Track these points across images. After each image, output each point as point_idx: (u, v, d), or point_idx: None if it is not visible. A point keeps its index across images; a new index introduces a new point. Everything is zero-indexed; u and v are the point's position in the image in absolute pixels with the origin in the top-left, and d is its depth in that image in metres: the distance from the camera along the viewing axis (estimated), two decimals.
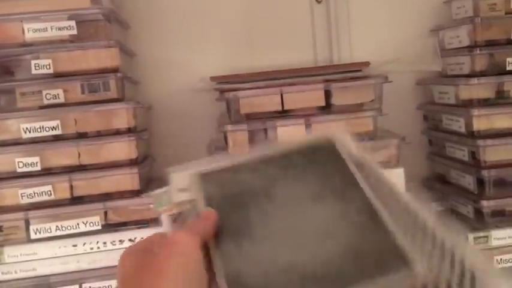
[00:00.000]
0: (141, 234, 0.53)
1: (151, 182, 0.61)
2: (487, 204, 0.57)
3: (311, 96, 0.54)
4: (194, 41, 0.67)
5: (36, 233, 0.51)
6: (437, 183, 0.68)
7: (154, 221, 0.53)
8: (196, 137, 0.68)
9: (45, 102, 0.53)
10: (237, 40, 0.68)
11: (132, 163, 0.54)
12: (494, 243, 0.57)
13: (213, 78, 0.57)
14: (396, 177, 0.54)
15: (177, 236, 0.30)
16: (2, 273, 0.51)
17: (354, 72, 0.55)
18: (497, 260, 0.57)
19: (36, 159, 0.51)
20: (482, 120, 0.58)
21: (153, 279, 0.29)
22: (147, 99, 0.66)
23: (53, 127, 0.52)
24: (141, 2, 0.66)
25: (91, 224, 0.52)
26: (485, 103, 0.59)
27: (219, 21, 0.67)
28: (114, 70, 0.55)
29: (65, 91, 0.53)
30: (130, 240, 0.52)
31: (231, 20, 0.67)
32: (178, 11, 0.67)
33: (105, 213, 0.53)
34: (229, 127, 0.54)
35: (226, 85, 0.54)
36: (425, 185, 0.71)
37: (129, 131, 0.54)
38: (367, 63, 0.56)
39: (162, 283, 0.28)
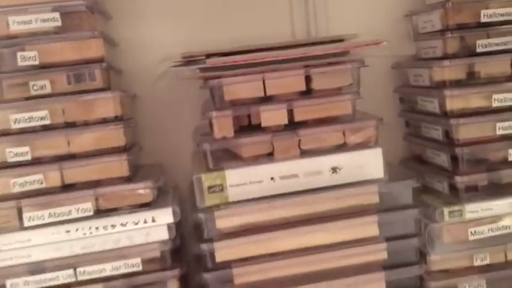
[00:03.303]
0: (132, 219, 0.54)
1: (138, 169, 0.63)
2: (460, 180, 0.60)
3: (292, 81, 0.56)
4: (172, 22, 0.68)
5: (29, 221, 0.52)
6: (414, 163, 0.71)
7: (144, 206, 0.55)
8: (180, 125, 0.70)
9: (32, 93, 0.54)
10: (215, 14, 0.69)
11: (120, 150, 0.55)
12: (468, 216, 0.60)
13: (183, 55, 0.58)
14: (375, 157, 0.57)
15: None
16: None
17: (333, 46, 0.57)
18: (471, 232, 0.60)
19: (26, 148, 0.52)
20: (455, 100, 0.61)
21: None
22: (130, 88, 0.67)
23: (42, 117, 0.53)
24: None
25: (83, 211, 0.53)
26: (457, 84, 0.62)
27: None
28: (99, 60, 0.56)
29: (51, 82, 0.55)
30: (122, 224, 0.54)
31: None
32: None
33: (96, 199, 0.54)
34: (214, 113, 0.56)
35: (210, 73, 0.55)
36: (402, 165, 0.74)
37: (116, 119, 0.56)
38: (347, 52, 0.58)
39: None
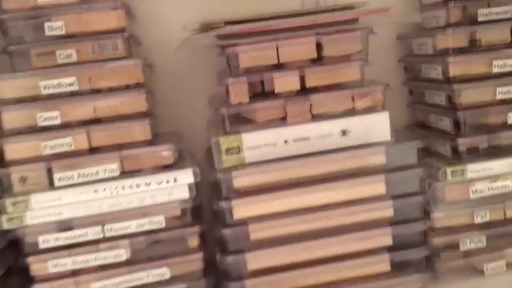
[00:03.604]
0: (155, 179, 0.58)
1: (157, 137, 0.66)
2: (462, 142, 0.64)
3: (304, 49, 0.59)
4: None
5: (59, 181, 0.56)
6: (417, 129, 0.74)
7: (166, 168, 0.59)
8: (195, 95, 0.73)
9: (59, 61, 0.57)
10: None
11: (143, 115, 0.59)
12: (469, 175, 0.64)
13: (201, 23, 0.61)
14: (382, 120, 0.61)
15: None
16: (31, 218, 0.56)
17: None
18: (472, 191, 0.64)
19: (56, 113, 0.56)
20: (457, 67, 0.64)
21: None
22: (148, 59, 0.70)
23: (70, 83, 0.56)
24: None
25: (109, 171, 0.57)
26: (459, 51, 0.65)
27: None
28: (121, 30, 0.59)
29: (77, 51, 0.58)
30: (146, 184, 0.58)
31: None
32: None
33: (121, 161, 0.58)
34: (230, 80, 0.59)
35: (227, 41, 0.58)
36: (407, 131, 0.77)
37: (139, 85, 0.59)
38: (356, 19, 0.61)
39: None
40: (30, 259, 0.57)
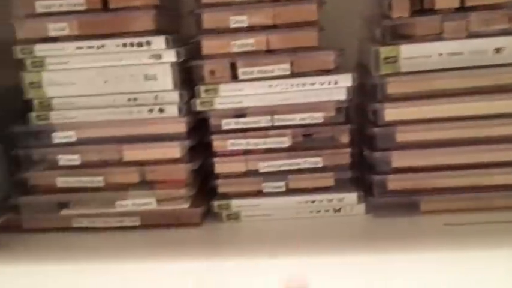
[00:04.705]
0: (319, 80, 0.67)
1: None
2: None
3: None
4: None
5: (242, 75, 0.68)
6: None
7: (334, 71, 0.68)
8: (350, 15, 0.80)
9: None
10: None
11: (313, 24, 0.68)
12: None
13: None
14: None
15: None
16: (218, 103, 0.69)
17: None
18: None
19: (244, 17, 0.67)
20: None
21: None
22: None
23: None
24: None
25: (282, 70, 0.68)
26: None
27: None
28: None
29: None
30: (311, 84, 0.67)
31: None
32: None
33: (292, 63, 0.68)
34: None
35: None
36: None
37: None
38: None
39: None
40: (214, 137, 0.71)
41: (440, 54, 0.65)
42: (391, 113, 0.67)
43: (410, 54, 0.65)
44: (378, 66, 0.66)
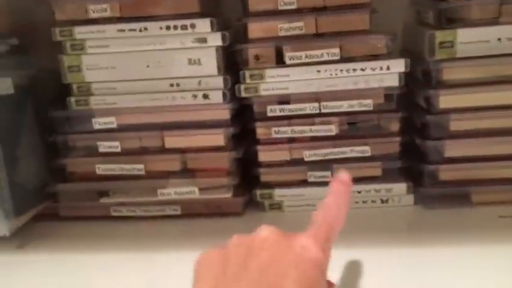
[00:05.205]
0: (370, 65, 0.65)
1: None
2: None
3: None
4: None
5: (289, 60, 0.65)
6: None
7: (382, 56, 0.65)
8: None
9: None
10: None
11: (364, 6, 0.65)
12: None
13: None
14: None
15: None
16: (264, 89, 0.66)
17: None
18: None
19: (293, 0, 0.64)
20: None
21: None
22: None
23: None
24: None
25: (331, 55, 0.65)
26: None
27: None
28: None
29: None
30: (361, 69, 0.65)
31: None
32: None
33: (340, 47, 0.65)
34: None
35: None
36: None
37: None
38: None
39: None
40: (258, 124, 0.68)
41: (499, 39, 0.62)
42: (445, 100, 0.64)
43: (468, 39, 0.62)
44: (433, 51, 0.63)
